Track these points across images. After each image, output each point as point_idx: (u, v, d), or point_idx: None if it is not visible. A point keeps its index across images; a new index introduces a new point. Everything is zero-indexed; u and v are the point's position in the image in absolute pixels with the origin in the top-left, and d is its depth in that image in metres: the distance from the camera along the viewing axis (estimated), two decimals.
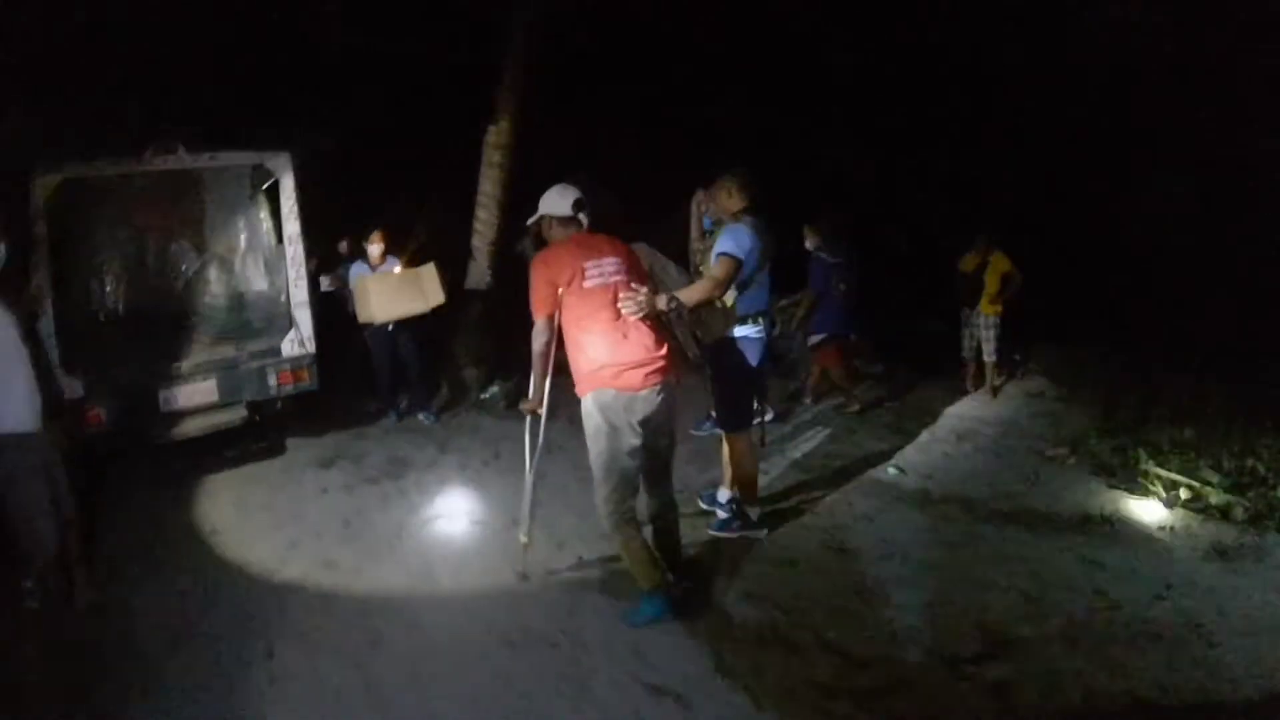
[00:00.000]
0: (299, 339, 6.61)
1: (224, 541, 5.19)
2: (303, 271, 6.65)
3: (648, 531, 4.03)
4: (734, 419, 4.79)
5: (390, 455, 6.63)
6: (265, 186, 6.79)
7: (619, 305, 3.72)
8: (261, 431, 6.87)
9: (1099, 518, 5.08)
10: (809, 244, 7.57)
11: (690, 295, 4.32)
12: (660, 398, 3.76)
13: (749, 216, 4.54)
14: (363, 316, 7.07)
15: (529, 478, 4.30)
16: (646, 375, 3.69)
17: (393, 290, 7.06)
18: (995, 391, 8.14)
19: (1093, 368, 8.37)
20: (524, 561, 4.45)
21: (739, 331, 4.60)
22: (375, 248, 7.29)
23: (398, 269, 7.32)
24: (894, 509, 5.31)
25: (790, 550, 4.73)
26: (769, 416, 6.47)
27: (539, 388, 4.03)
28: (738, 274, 4.40)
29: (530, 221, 4.13)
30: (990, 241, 8.02)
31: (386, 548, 4.96)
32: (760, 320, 4.64)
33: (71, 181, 5.90)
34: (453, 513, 5.44)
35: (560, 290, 3.74)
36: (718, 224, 4.94)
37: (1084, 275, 10.27)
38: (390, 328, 7.24)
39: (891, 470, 5.98)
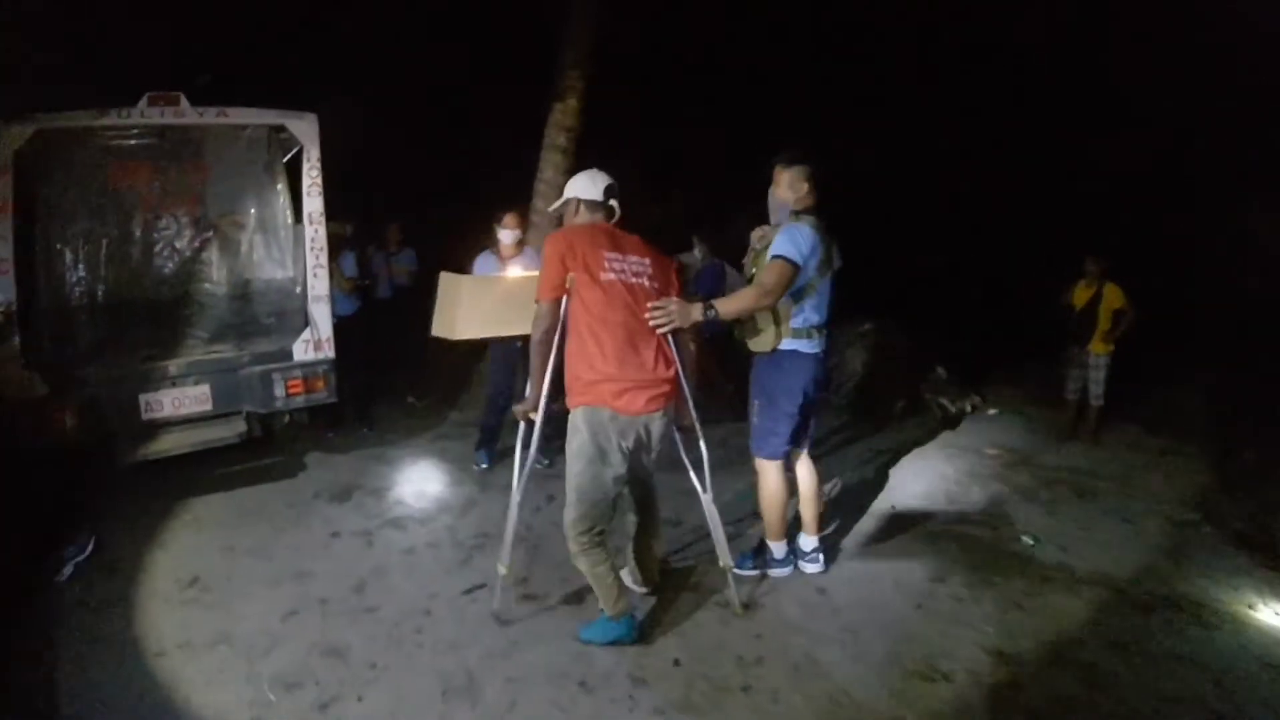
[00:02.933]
0: (315, 340, 5.42)
1: (200, 602, 4.00)
2: (323, 259, 5.46)
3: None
4: (767, 442, 4.08)
5: (420, 490, 5.41)
6: (287, 156, 5.62)
7: (646, 316, 3.37)
8: (264, 451, 5.70)
9: (1262, 605, 4.23)
10: (698, 253, 7.34)
11: (730, 305, 3.70)
12: (659, 424, 3.42)
13: (811, 216, 3.86)
14: (437, 328, 4.82)
15: (515, 497, 3.72)
16: (650, 399, 3.32)
17: (492, 299, 4.79)
18: (1096, 438, 7.25)
19: (1186, 409, 7.61)
20: (499, 598, 3.86)
21: (789, 344, 3.92)
22: (509, 234, 5.48)
23: (518, 269, 5.41)
24: (1042, 594, 4.22)
25: (937, 652, 3.61)
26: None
27: (536, 387, 3.50)
28: (793, 282, 3.74)
29: (554, 208, 3.79)
30: (1103, 271, 7.21)
31: (412, 633, 3.70)
32: (815, 335, 3.95)
33: (47, 134, 4.78)
34: (502, 583, 4.04)
35: (571, 275, 3.32)
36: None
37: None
38: (519, 344, 5.31)
39: (1026, 540, 4.86)
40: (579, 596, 3.90)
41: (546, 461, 5.58)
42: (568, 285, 3.35)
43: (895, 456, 6.42)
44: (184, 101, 5.03)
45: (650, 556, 3.93)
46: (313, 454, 5.97)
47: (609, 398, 3.28)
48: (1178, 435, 7.06)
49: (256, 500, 5.23)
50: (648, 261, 3.46)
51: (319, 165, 5.39)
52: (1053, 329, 7.54)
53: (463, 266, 5.34)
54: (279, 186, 5.64)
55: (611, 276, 3.34)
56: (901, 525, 5.01)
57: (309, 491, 5.38)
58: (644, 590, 3.97)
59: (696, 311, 3.50)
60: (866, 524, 4.97)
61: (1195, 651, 3.74)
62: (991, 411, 7.90)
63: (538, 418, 3.60)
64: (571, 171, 6.75)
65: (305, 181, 5.38)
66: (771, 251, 3.75)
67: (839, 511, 5.08)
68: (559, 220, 3.89)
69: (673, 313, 3.41)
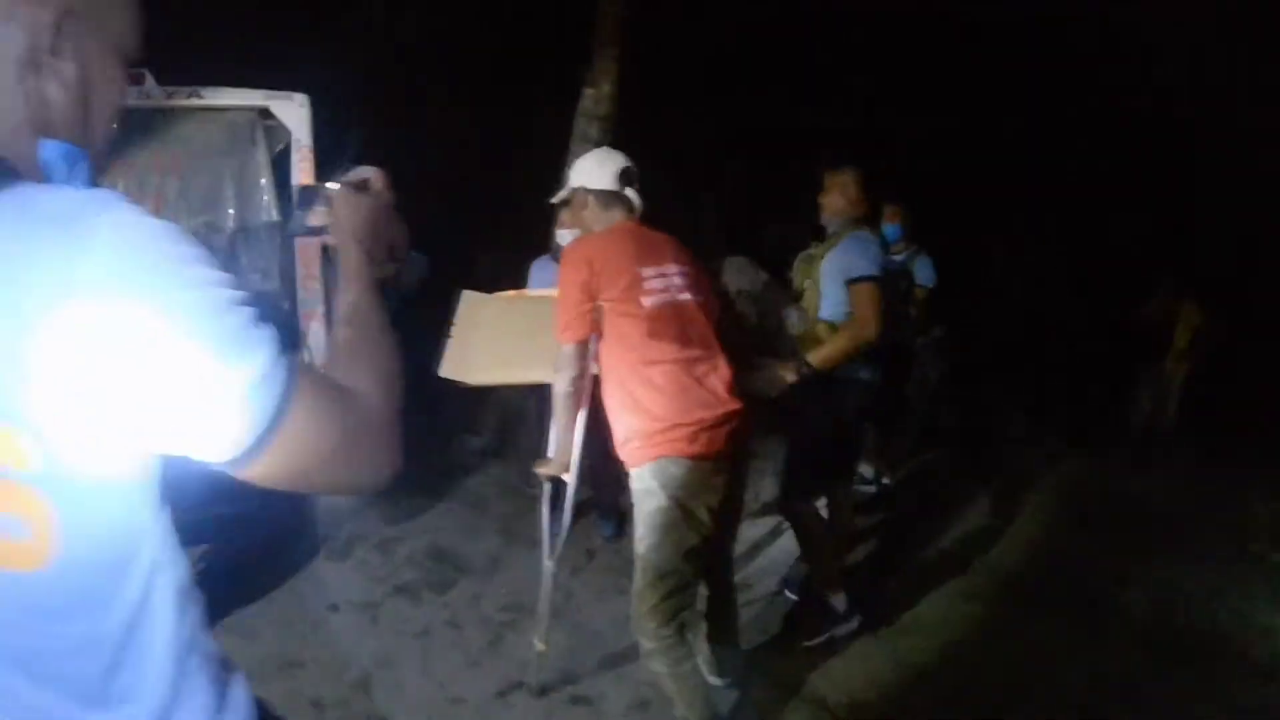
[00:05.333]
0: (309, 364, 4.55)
1: None
2: (316, 268, 4.61)
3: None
4: (802, 482, 3.64)
5: (432, 543, 4.52)
6: (274, 151, 4.79)
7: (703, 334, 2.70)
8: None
9: None
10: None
11: (829, 355, 3.28)
12: (740, 462, 2.78)
13: (866, 225, 3.55)
14: (449, 367, 3.50)
15: (548, 565, 3.18)
16: (730, 434, 2.63)
17: (523, 327, 3.46)
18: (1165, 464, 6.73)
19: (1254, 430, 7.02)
20: (538, 672, 3.18)
21: (849, 370, 3.43)
22: (570, 235, 4.25)
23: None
24: (1167, 670, 3.56)
25: None
26: (875, 484, 5.42)
27: (565, 443, 2.94)
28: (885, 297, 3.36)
29: (557, 199, 3.09)
30: (1180, 288, 6.74)
31: None
32: (866, 358, 3.45)
33: None
34: (546, 674, 3.25)
35: (602, 305, 2.63)
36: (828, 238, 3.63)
37: None
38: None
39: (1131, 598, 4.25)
40: (642, 702, 3.10)
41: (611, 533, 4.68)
42: (596, 317, 2.68)
43: (970, 497, 5.63)
44: (149, 79, 4.20)
45: (730, 639, 3.18)
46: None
47: (684, 444, 2.56)
48: (1248, 460, 6.41)
49: (235, 561, 4.34)
50: (687, 269, 2.79)
51: (311, 156, 4.55)
52: (1117, 348, 6.97)
53: (496, 276, 4.48)
54: (263, 182, 4.79)
55: (658, 300, 2.65)
56: (992, 587, 4.32)
57: (300, 548, 4.46)
58: (724, 683, 3.15)
59: (790, 374, 3.15)
60: (962, 585, 4.28)
61: None
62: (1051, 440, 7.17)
63: (571, 478, 3.01)
64: None
65: (295, 174, 4.55)
66: (849, 271, 3.34)
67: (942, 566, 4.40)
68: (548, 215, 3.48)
69: (763, 385, 3.06)
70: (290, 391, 0.81)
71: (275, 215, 4.82)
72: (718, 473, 2.63)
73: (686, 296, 2.72)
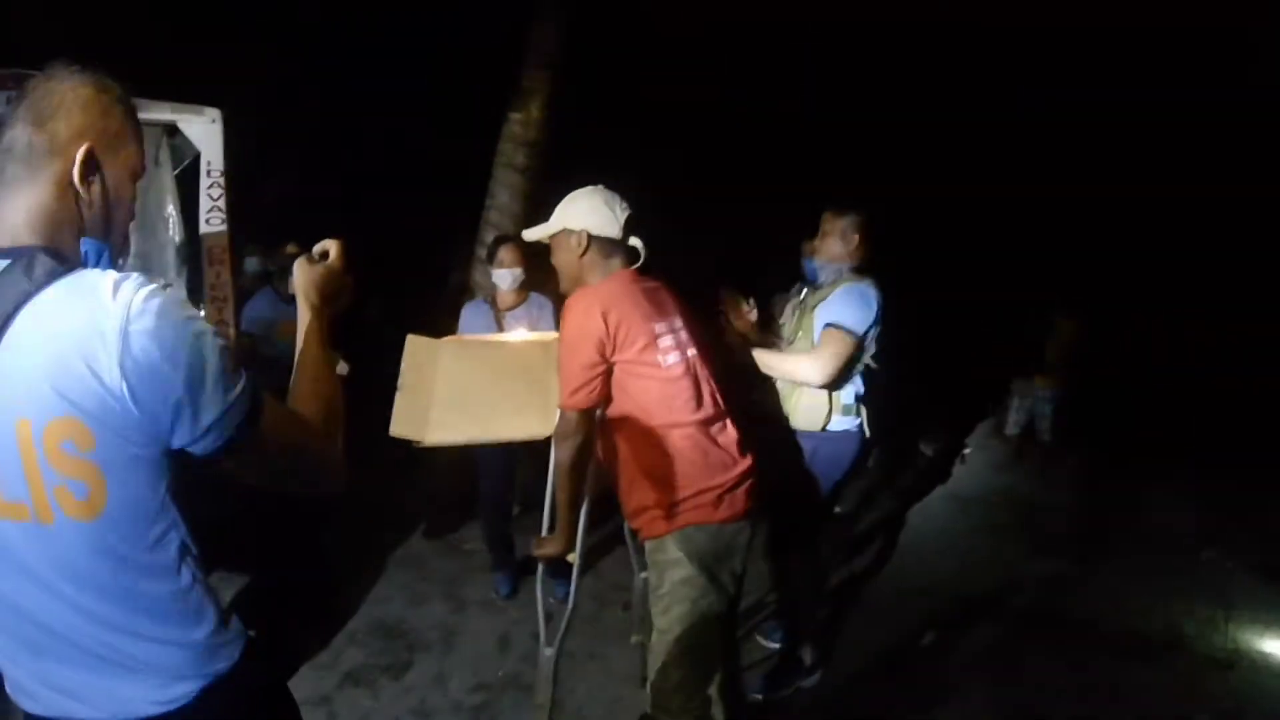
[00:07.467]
0: None
1: None
2: (229, 312, 4.04)
3: None
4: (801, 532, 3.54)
5: (377, 619, 3.95)
6: (179, 167, 4.17)
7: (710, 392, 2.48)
8: None
9: None
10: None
11: (770, 362, 3.19)
12: (758, 519, 2.54)
13: (868, 274, 3.26)
14: (401, 424, 2.96)
15: (547, 654, 2.86)
16: (747, 492, 2.46)
17: (488, 378, 3.07)
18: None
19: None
20: None
21: (840, 424, 3.22)
22: (508, 275, 4.10)
23: (522, 328, 4.02)
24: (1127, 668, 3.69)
25: None
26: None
27: (568, 520, 2.61)
28: (854, 355, 3.12)
29: (539, 235, 2.61)
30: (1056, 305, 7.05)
31: None
32: (861, 410, 3.28)
33: None
34: None
35: (614, 365, 2.36)
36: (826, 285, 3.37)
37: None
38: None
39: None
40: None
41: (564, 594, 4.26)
42: (608, 377, 2.40)
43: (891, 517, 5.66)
44: None
45: (739, 695, 2.91)
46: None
47: (709, 510, 2.39)
48: (1137, 471, 6.68)
49: None
50: (687, 320, 2.56)
51: (222, 182, 3.97)
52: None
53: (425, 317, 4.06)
54: (169, 207, 4.16)
55: (672, 359, 2.40)
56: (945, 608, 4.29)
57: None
58: None
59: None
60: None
61: None
62: (967, 450, 7.27)
63: (576, 559, 2.73)
64: (531, 196, 5.53)
65: (204, 204, 3.94)
66: (829, 318, 3.11)
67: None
68: (525, 256, 3.38)
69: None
70: (255, 411, 1.12)
71: (179, 238, 4.21)
72: (740, 534, 2.47)
73: (693, 352, 2.48)
